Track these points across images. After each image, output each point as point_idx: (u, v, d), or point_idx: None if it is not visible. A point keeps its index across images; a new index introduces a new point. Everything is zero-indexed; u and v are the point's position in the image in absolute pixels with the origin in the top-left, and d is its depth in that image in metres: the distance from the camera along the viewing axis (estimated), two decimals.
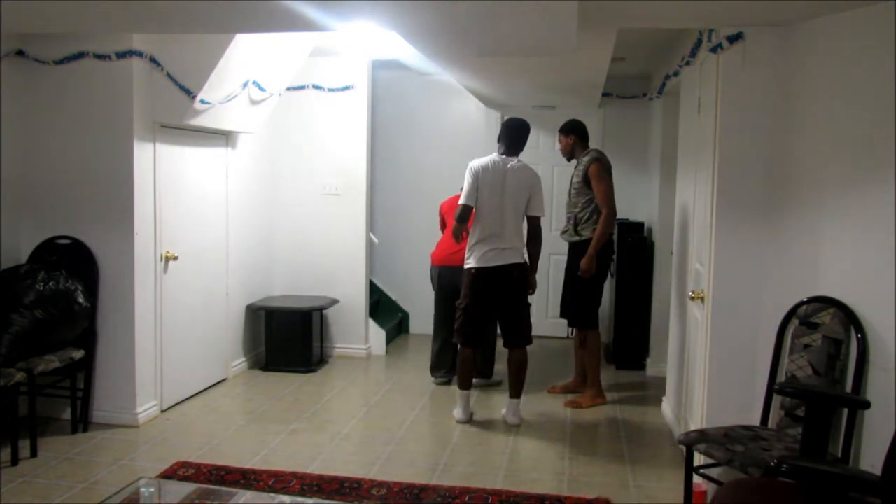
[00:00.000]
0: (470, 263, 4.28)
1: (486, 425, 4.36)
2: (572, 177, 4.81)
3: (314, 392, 4.98)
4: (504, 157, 4.30)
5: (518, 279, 4.27)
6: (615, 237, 5.36)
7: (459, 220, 4.28)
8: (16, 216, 4.16)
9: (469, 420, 4.39)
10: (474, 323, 4.35)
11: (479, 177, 4.23)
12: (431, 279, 5.23)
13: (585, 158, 4.70)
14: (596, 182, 4.59)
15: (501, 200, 4.21)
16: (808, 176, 2.98)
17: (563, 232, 4.88)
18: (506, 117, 6.51)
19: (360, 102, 5.75)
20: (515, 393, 4.38)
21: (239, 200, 5.28)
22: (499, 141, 4.40)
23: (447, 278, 5.00)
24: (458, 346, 4.46)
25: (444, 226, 5.24)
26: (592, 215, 4.64)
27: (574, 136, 4.81)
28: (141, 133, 4.12)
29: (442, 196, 5.47)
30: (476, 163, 4.30)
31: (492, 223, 4.21)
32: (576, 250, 4.71)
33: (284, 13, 3.19)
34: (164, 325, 4.42)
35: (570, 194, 4.84)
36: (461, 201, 4.26)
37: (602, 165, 4.63)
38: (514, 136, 4.37)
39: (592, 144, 4.92)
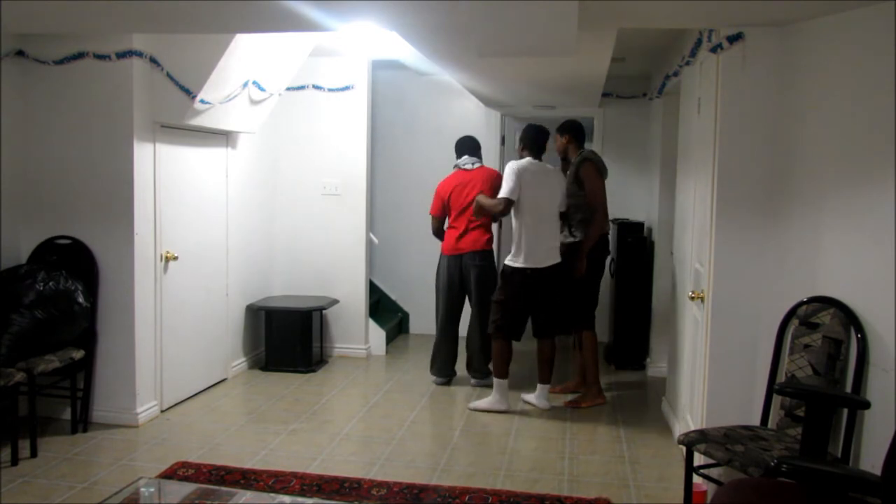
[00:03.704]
0: (518, 263, 4.44)
1: (486, 425, 4.36)
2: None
3: (314, 392, 4.98)
4: (540, 162, 4.55)
5: (556, 276, 4.52)
6: (611, 236, 5.36)
7: (503, 214, 4.55)
8: (16, 216, 4.16)
9: (508, 409, 4.53)
10: (517, 318, 4.57)
11: (523, 177, 4.41)
12: (438, 271, 5.20)
13: (577, 160, 4.72)
14: (587, 182, 4.63)
15: (546, 201, 4.45)
16: (808, 176, 2.98)
17: None
18: (506, 118, 6.65)
19: (360, 102, 5.75)
20: (545, 378, 4.63)
21: (239, 200, 5.28)
22: (526, 148, 4.59)
23: (454, 267, 5.06)
24: (492, 337, 4.63)
25: (437, 209, 5.21)
26: (585, 216, 4.65)
27: (569, 136, 4.82)
28: (141, 133, 4.12)
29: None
30: (516, 164, 4.47)
31: (540, 223, 4.43)
32: (569, 251, 4.72)
33: (284, 13, 3.19)
34: (164, 325, 4.41)
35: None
36: (506, 195, 4.41)
37: (593, 166, 4.65)
38: (541, 143, 4.61)
39: (593, 145, 4.93)
